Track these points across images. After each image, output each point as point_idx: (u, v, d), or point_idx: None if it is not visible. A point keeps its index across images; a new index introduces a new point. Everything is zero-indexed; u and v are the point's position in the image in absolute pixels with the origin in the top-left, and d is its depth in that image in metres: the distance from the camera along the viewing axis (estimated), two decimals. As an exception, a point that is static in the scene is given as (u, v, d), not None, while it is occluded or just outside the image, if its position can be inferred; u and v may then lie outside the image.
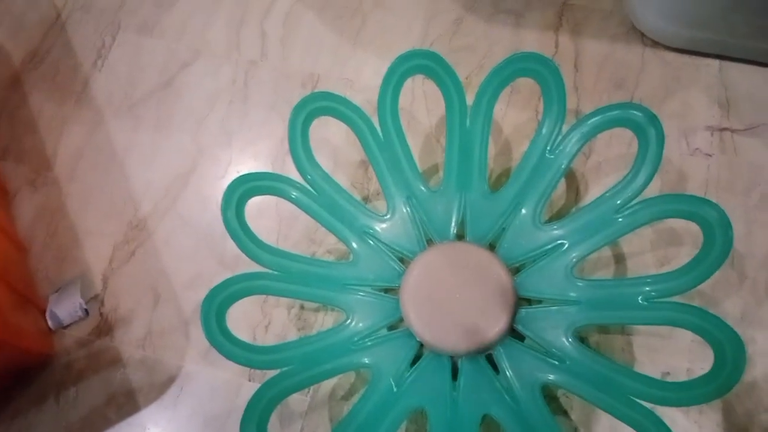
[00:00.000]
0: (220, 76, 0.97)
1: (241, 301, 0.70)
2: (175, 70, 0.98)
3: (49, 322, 0.82)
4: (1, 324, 0.69)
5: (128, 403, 0.79)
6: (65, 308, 0.82)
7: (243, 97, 0.95)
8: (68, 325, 0.83)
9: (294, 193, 0.74)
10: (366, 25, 0.99)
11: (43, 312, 0.83)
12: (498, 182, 0.87)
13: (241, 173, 0.73)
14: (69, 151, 0.94)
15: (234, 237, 0.71)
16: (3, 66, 1.00)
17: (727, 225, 0.64)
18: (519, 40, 0.96)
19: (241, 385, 0.79)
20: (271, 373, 0.67)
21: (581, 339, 0.77)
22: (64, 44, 1.01)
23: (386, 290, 0.74)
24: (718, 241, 0.65)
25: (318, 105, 0.76)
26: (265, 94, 0.95)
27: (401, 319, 0.71)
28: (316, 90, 0.94)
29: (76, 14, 1.03)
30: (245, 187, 0.72)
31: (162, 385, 0.80)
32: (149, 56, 0.99)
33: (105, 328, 0.83)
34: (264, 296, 0.83)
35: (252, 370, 0.79)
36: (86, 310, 0.83)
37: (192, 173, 0.91)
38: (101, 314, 0.84)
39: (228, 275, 0.70)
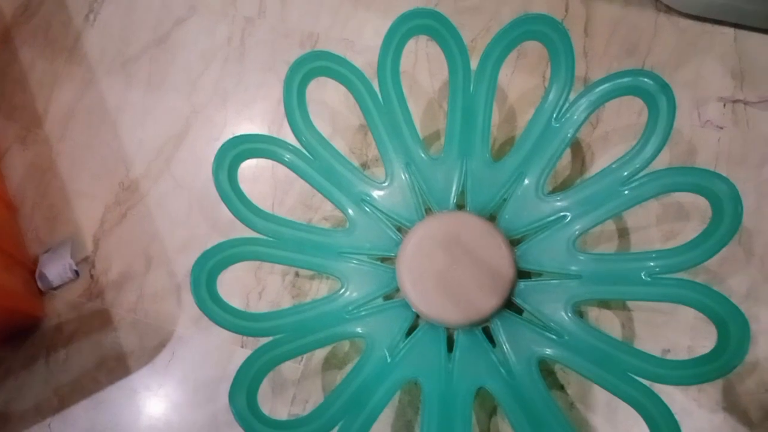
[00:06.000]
0: (215, 34, 0.93)
1: (234, 267, 0.68)
2: (169, 26, 0.94)
3: (39, 283, 0.81)
4: (-13, 285, 0.67)
5: (119, 366, 0.78)
6: (55, 269, 0.81)
7: (239, 56, 0.92)
8: (58, 287, 0.82)
9: (288, 156, 0.72)
10: (369, -17, 0.95)
11: (33, 273, 0.81)
12: (501, 151, 0.84)
13: (234, 134, 0.71)
14: (60, 109, 0.92)
15: (226, 201, 0.69)
16: (-8, 19, 0.97)
17: (737, 200, 0.62)
18: (528, 1, 0.92)
19: (233, 351, 0.78)
20: (264, 341, 0.66)
21: (581, 314, 0.76)
22: (56, -3, 0.98)
23: (383, 259, 0.73)
24: (727, 216, 0.62)
25: (316, 65, 0.73)
26: (262, 54, 0.92)
27: (397, 289, 0.70)
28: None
29: (67, -35, 0.99)
30: (238, 150, 0.70)
31: (153, 349, 0.79)
32: (143, 11, 0.96)
33: (96, 290, 0.82)
34: (258, 262, 0.81)
35: (245, 337, 0.78)
36: (77, 271, 0.82)
37: (186, 134, 0.89)
38: (92, 276, 0.83)
39: (221, 240, 0.68)
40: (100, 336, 0.80)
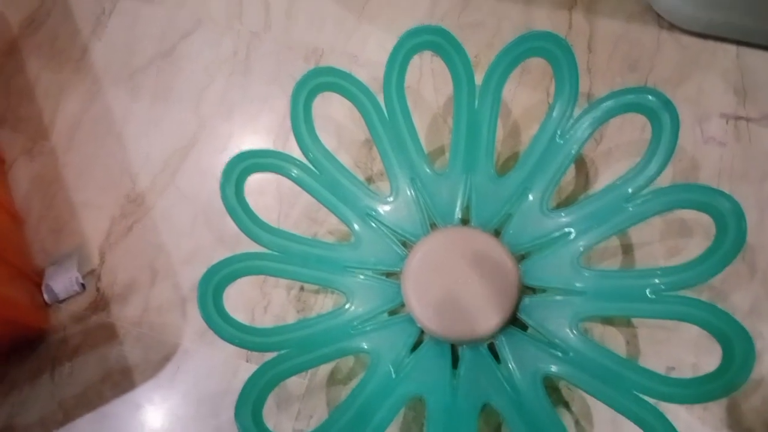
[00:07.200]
0: (221, 47, 0.94)
1: (240, 281, 0.68)
2: (175, 39, 0.95)
3: (45, 296, 0.81)
4: (-6, 298, 0.67)
5: (124, 380, 0.78)
6: (61, 282, 0.81)
7: (244, 69, 0.93)
8: (64, 300, 0.82)
9: (295, 171, 0.72)
10: (373, -2, 0.96)
11: (39, 285, 0.81)
12: (506, 166, 0.84)
13: (242, 149, 0.71)
14: (66, 121, 0.92)
15: (233, 215, 0.69)
16: (0, 31, 0.97)
17: (740, 216, 0.62)
18: (530, 17, 0.93)
19: (238, 365, 0.78)
20: (269, 355, 0.66)
21: (585, 330, 0.76)
22: (63, 9, 0.98)
23: (388, 274, 0.73)
24: (730, 233, 0.63)
25: (321, 81, 0.73)
26: (268, 67, 0.93)
27: (402, 305, 0.70)
28: (319, 64, 0.92)
29: (75, -21, 1.00)
30: (245, 164, 0.70)
31: (158, 363, 0.79)
32: (149, 24, 0.96)
33: (101, 303, 0.82)
34: (263, 276, 0.81)
35: (250, 351, 0.78)
36: (83, 284, 0.82)
37: (191, 147, 0.89)
38: (98, 289, 0.83)
39: (227, 253, 0.68)
40: (105, 349, 0.80)
